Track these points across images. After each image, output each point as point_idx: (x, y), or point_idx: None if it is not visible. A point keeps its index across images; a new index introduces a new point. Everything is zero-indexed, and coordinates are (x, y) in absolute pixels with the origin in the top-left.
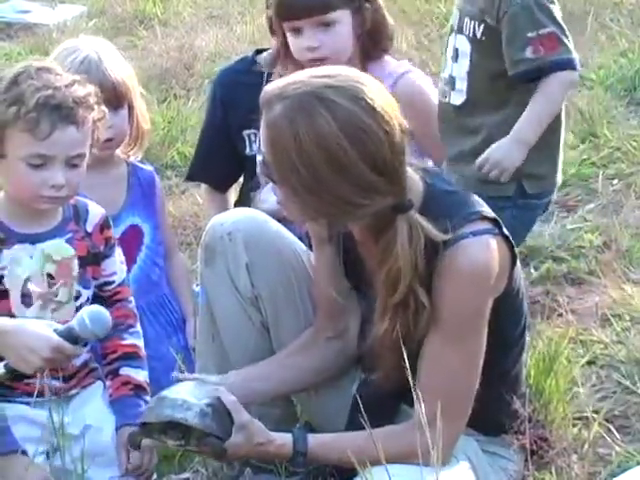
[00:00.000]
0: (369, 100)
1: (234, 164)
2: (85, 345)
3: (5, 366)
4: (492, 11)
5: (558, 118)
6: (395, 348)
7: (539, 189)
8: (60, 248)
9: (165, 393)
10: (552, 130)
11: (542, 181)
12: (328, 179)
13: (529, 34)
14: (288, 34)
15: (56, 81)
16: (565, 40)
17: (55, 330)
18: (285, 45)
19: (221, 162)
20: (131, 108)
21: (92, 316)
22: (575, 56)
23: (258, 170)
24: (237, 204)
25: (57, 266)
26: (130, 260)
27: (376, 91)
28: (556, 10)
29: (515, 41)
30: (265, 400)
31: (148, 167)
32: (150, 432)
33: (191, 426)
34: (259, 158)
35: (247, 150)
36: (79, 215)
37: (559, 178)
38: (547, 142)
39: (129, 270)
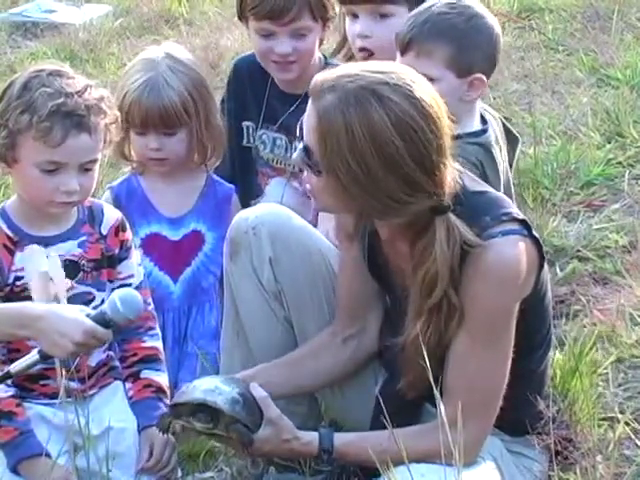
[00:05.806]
0: (422, 101)
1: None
2: (114, 328)
3: (39, 352)
4: None
5: None
6: (426, 353)
7: None
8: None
9: (196, 382)
10: None
11: None
12: (377, 173)
13: None
14: (347, 18)
15: (68, 87)
16: None
17: (87, 315)
18: (345, 36)
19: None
20: (191, 129)
21: (123, 299)
22: None
23: (294, 158)
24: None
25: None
26: (184, 263)
27: (428, 92)
28: None
29: None
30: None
31: (229, 185)
32: (180, 414)
33: (221, 411)
34: (300, 145)
35: (244, 141)
36: (94, 218)
37: None
38: None
39: (181, 272)
